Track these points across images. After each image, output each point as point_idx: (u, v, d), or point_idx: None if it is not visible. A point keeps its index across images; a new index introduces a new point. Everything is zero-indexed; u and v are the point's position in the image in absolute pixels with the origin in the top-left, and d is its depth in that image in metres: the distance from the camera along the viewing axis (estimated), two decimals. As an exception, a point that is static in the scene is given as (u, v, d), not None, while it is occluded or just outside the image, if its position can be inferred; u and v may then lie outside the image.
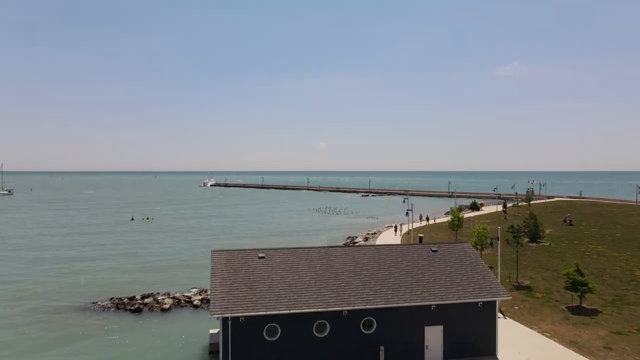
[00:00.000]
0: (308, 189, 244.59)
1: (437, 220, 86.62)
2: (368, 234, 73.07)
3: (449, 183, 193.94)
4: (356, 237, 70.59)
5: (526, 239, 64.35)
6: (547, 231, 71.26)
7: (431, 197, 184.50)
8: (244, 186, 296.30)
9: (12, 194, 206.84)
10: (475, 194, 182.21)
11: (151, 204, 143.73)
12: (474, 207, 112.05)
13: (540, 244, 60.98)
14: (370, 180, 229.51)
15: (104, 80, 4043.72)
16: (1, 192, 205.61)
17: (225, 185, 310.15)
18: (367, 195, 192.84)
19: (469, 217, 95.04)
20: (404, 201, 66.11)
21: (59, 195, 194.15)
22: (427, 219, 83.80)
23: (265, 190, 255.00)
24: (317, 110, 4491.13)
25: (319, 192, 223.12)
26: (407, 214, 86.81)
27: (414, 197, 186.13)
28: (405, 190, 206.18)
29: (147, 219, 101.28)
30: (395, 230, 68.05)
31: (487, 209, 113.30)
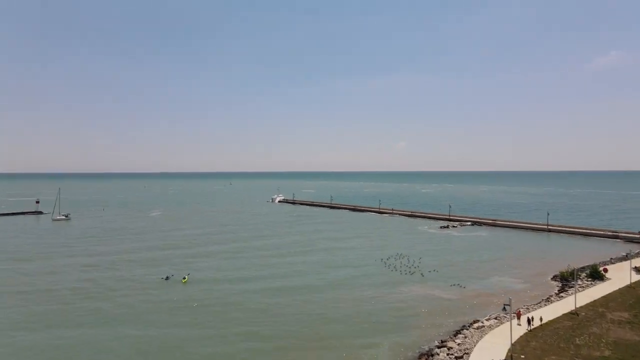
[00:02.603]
0: (380, 212, 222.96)
1: (546, 318, 61.18)
2: (450, 352, 50.88)
3: (548, 215, 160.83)
4: (432, 357, 49.17)
5: None
6: None
7: (524, 232, 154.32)
8: (312, 204, 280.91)
9: (69, 219, 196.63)
10: (581, 230, 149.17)
11: (204, 244, 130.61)
12: (595, 274, 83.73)
13: None
14: (450, 206, 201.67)
15: (187, 84, 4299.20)
16: (58, 217, 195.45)
17: (293, 202, 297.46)
18: (447, 227, 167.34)
19: (594, 302, 68.48)
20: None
21: (117, 222, 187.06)
22: (530, 321, 58.20)
23: (334, 212, 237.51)
24: (396, 109, 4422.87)
25: (391, 218, 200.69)
26: (504, 308, 63.84)
27: (501, 229, 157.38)
28: (492, 220, 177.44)
29: (184, 278, 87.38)
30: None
31: (613, 275, 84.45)
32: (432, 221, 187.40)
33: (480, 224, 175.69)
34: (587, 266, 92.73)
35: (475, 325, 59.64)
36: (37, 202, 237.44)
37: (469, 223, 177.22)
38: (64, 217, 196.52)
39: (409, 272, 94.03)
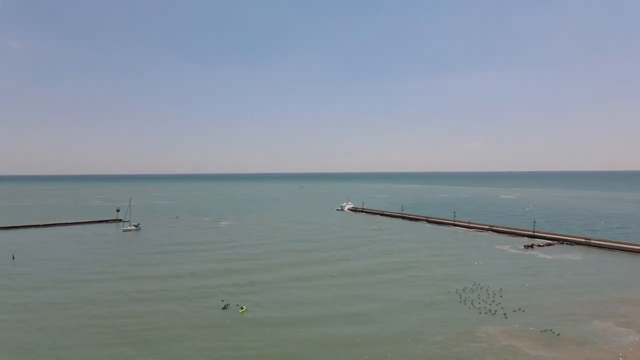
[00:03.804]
0: (454, 224, 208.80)
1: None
2: None
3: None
4: None
5: None
6: None
7: (622, 255, 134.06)
8: (382, 214, 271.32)
9: (139, 229, 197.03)
10: None
11: (269, 267, 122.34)
12: None
13: None
14: (535, 222, 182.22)
15: (268, 84, 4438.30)
16: (128, 227, 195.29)
17: (362, 211, 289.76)
18: (531, 246, 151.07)
19: None
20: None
21: (185, 234, 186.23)
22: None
23: (406, 224, 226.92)
24: (471, 108, 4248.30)
25: (468, 234, 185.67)
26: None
27: (596, 250, 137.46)
28: (585, 239, 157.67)
29: (242, 308, 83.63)
30: None
31: None
32: (513, 238, 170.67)
33: (571, 242, 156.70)
34: None
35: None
36: (118, 210, 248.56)
37: (557, 242, 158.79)
38: (134, 227, 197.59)
39: (490, 310, 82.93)
